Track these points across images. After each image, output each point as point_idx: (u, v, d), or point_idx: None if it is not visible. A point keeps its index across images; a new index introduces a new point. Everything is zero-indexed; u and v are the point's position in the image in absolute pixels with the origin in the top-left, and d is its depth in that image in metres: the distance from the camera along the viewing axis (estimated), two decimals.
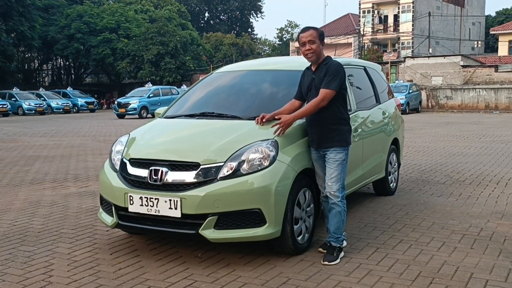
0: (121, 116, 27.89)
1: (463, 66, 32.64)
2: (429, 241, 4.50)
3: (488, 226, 4.99)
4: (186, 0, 70.20)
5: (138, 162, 4.13)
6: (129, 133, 4.67)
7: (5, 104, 31.88)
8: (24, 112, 32.77)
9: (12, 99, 33.59)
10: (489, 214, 5.47)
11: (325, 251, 4.13)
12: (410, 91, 28.97)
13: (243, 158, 3.93)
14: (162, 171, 3.93)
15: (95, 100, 40.71)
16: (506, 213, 5.51)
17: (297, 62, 5.79)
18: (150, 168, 3.98)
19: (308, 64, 4.34)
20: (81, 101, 37.98)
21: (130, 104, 27.89)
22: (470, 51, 51.50)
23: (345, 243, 4.26)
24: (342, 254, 4.11)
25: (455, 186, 7.04)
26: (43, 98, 35.31)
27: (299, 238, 4.17)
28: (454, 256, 4.12)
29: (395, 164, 6.53)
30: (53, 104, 35.28)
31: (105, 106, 45.92)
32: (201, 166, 3.89)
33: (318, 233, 4.60)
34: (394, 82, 31.78)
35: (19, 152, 11.66)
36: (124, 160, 4.24)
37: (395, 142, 6.50)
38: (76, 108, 37.11)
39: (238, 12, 76.63)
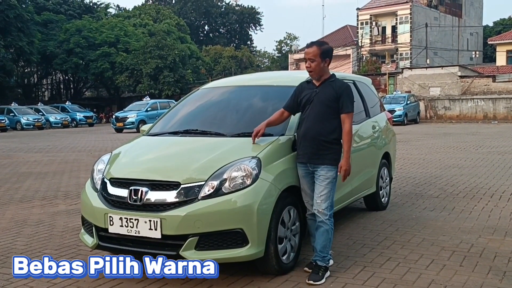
0: (119, 130, 27.88)
1: (461, 77, 32.66)
2: (418, 259, 4.41)
3: (479, 242, 4.90)
4: (185, 14, 70.63)
5: (118, 182, 4.05)
6: (111, 152, 4.60)
7: (3, 119, 31.91)
8: (22, 127, 32.81)
9: (11, 114, 33.67)
10: (481, 229, 5.37)
11: (310, 270, 4.04)
12: (408, 102, 28.94)
13: (225, 176, 3.85)
14: (142, 191, 3.85)
15: (94, 114, 40.84)
16: (498, 228, 5.41)
17: (285, 78, 5.76)
18: (130, 188, 3.91)
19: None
20: (79, 116, 38.14)
21: (128, 118, 27.93)
22: (468, 61, 51.50)
23: (331, 262, 4.18)
24: (328, 273, 4.02)
25: (448, 199, 6.95)
26: (41, 113, 35.39)
27: (284, 257, 4.08)
28: (442, 274, 4.03)
29: (386, 179, 6.44)
30: (52, 118, 35.37)
31: (104, 120, 45.99)
32: (182, 186, 3.81)
33: (305, 252, 4.50)
34: (392, 93, 31.78)
35: (12, 168, 11.58)
36: (105, 180, 4.17)
37: (386, 156, 6.42)
38: (74, 122, 37.18)
39: (237, 25, 77.06)
